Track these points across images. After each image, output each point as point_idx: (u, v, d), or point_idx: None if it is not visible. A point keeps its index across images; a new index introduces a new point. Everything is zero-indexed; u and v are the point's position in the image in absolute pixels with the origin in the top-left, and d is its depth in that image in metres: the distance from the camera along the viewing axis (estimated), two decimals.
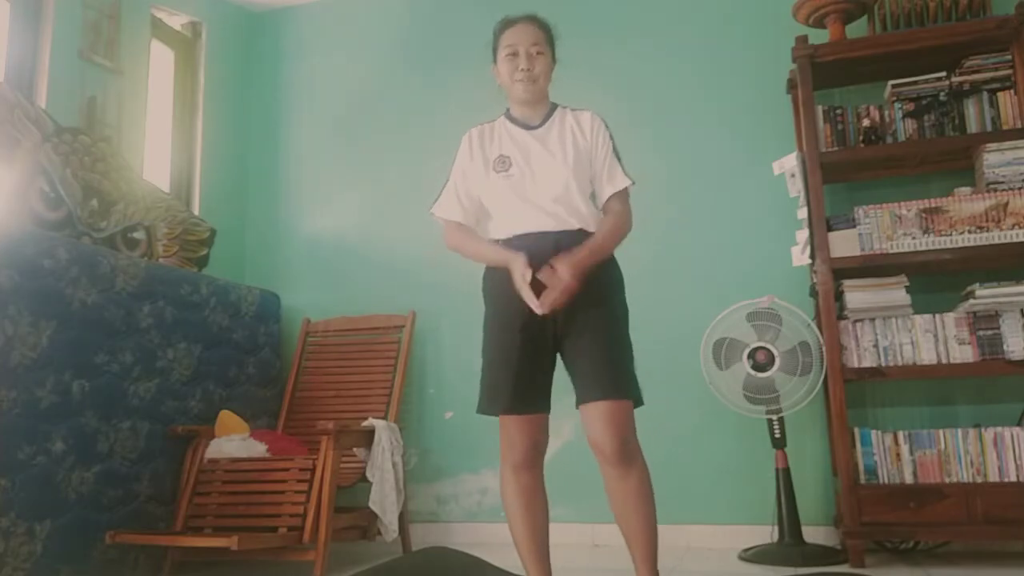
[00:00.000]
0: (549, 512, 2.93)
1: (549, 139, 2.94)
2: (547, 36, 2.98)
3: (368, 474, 4.23)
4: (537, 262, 2.71)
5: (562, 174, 2.87)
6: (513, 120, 3.03)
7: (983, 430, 3.85)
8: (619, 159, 2.95)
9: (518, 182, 2.89)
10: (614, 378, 2.73)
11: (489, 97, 5.08)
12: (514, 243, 2.84)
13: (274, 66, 5.86)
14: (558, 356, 2.87)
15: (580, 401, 2.76)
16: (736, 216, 4.71)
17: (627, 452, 2.70)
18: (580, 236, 2.81)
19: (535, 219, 2.84)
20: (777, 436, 4.15)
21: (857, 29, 4.46)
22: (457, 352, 5.06)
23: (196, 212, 5.18)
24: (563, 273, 2.65)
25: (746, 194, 4.70)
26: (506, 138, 2.99)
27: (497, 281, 2.85)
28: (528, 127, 2.97)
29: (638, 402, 2.77)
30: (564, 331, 2.79)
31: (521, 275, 2.70)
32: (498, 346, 2.86)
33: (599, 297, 2.79)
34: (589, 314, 2.76)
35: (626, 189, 2.93)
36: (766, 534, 4.23)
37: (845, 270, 4.07)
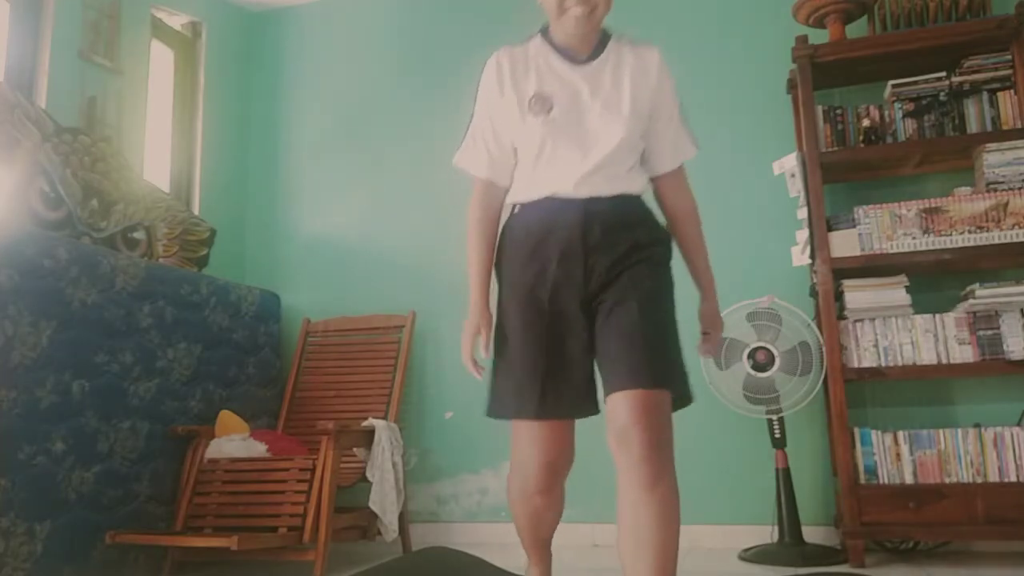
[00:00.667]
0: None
1: (602, 79, 2.41)
2: None
3: (368, 474, 4.23)
4: (557, 243, 2.33)
5: (616, 128, 2.37)
6: (556, 48, 2.43)
7: (983, 430, 3.85)
8: (686, 118, 2.54)
9: (560, 130, 2.36)
10: (667, 366, 2.28)
11: None
12: (530, 211, 2.42)
13: (274, 66, 5.86)
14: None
15: (610, 389, 2.21)
16: (736, 216, 4.70)
17: (660, 457, 2.13)
18: (616, 203, 2.38)
19: (568, 181, 2.35)
20: (777, 436, 4.15)
21: (857, 29, 4.47)
22: (457, 352, 4.99)
23: (196, 212, 5.18)
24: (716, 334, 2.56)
25: (746, 194, 4.70)
26: (545, 71, 2.41)
27: (517, 256, 2.40)
28: (575, 61, 2.42)
29: (687, 398, 2.38)
30: (603, 307, 2.31)
31: (471, 337, 2.46)
32: (519, 335, 2.36)
33: (648, 274, 2.35)
34: (643, 287, 2.31)
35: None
36: (766, 534, 4.23)
37: (845, 270, 4.07)
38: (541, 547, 2.69)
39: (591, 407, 2.34)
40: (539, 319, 2.32)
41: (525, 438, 2.35)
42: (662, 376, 2.21)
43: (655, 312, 2.30)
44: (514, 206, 2.49)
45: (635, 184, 2.44)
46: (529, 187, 2.42)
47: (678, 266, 2.58)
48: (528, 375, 2.29)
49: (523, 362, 2.32)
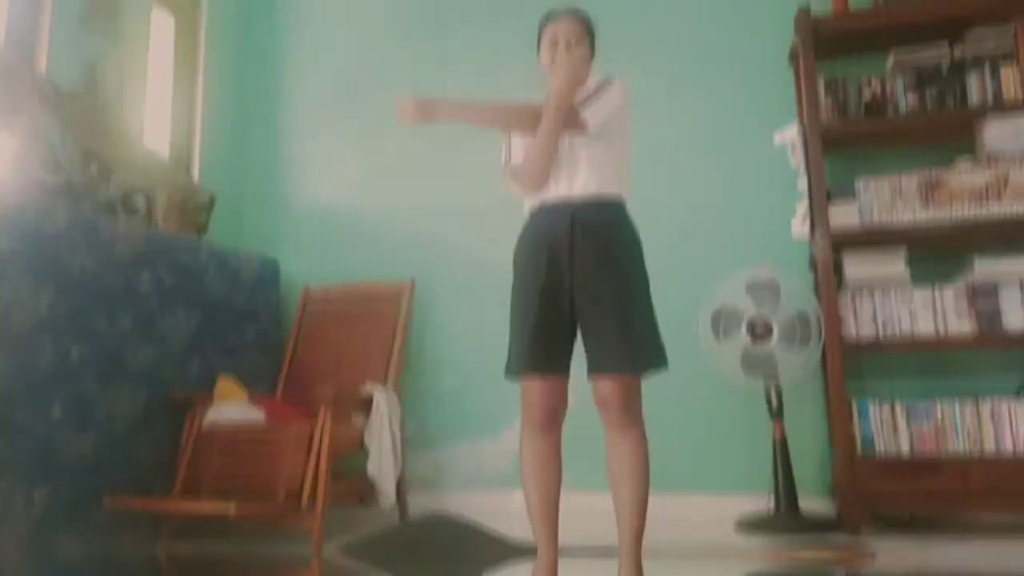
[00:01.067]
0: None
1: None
2: (586, 29, 3.06)
3: (366, 441, 4.24)
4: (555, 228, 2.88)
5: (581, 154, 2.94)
6: None
7: (980, 402, 3.86)
8: (598, 99, 2.94)
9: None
10: (629, 352, 2.79)
11: (490, 67, 5.09)
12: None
13: (274, 33, 5.83)
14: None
15: (592, 370, 2.83)
16: (736, 187, 4.70)
17: (630, 414, 2.82)
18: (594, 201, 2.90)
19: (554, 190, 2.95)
20: (775, 407, 4.16)
21: (859, 1, 4.44)
22: (456, 321, 5.07)
23: (196, 179, 5.17)
24: None
25: (747, 165, 4.69)
26: None
27: (523, 247, 2.97)
28: None
29: (661, 366, 2.86)
30: (580, 298, 2.85)
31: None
32: (519, 309, 2.93)
33: (616, 263, 2.85)
34: (605, 283, 2.82)
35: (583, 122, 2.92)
36: (763, 504, 4.25)
37: (845, 241, 4.08)
38: (549, 512, 2.93)
39: (565, 370, 2.93)
40: (532, 299, 2.89)
41: (530, 389, 2.90)
42: (639, 363, 2.82)
43: (631, 300, 2.85)
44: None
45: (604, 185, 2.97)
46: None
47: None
48: (521, 341, 2.91)
49: (521, 332, 2.92)
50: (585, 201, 2.88)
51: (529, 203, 3.02)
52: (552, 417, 2.92)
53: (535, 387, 2.89)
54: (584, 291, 2.83)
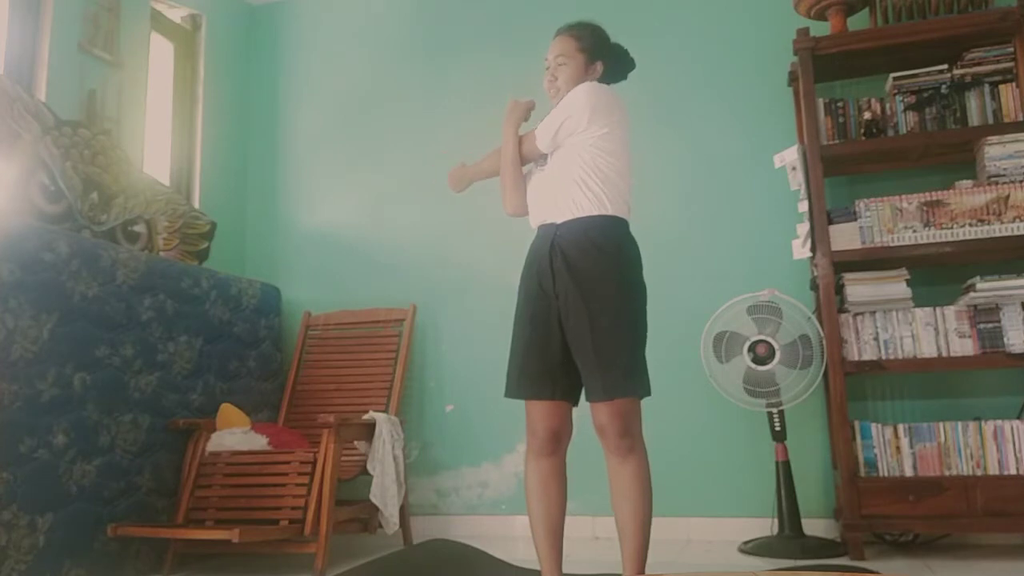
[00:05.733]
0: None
1: None
2: (576, 44, 3.08)
3: (369, 467, 4.24)
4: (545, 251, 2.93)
5: (558, 176, 2.99)
6: None
7: (983, 423, 3.86)
8: (549, 116, 3.01)
9: (539, 180, 3.09)
10: (615, 379, 2.78)
11: (490, 89, 5.10)
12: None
13: (274, 59, 5.85)
14: None
15: (587, 397, 2.87)
16: (737, 209, 4.70)
17: (628, 439, 2.81)
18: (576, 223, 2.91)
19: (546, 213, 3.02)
20: (777, 429, 4.16)
21: (858, 22, 4.46)
22: (457, 345, 5.07)
23: (196, 205, 5.17)
24: None
25: (747, 187, 4.70)
26: None
27: (523, 271, 3.03)
28: None
29: (644, 394, 2.85)
30: (567, 324, 2.86)
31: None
32: (516, 333, 2.98)
33: (591, 289, 2.84)
34: (581, 309, 2.82)
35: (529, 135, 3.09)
36: (766, 527, 4.25)
37: (846, 263, 4.08)
38: (553, 537, 2.94)
39: (564, 394, 2.94)
40: (524, 325, 2.97)
41: (532, 412, 2.94)
42: (626, 388, 2.81)
43: (614, 325, 2.83)
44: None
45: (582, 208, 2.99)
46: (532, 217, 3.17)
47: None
48: (516, 366, 2.96)
49: (515, 356, 2.98)
50: (564, 224, 2.91)
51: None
52: (554, 440, 2.93)
53: (535, 409, 2.92)
54: (567, 317, 2.85)
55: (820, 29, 4.36)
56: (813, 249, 4.11)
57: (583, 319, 2.80)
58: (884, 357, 3.99)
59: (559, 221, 2.92)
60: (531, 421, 2.94)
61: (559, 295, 2.87)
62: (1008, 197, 3.89)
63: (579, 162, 2.91)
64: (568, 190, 2.91)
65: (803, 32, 4.24)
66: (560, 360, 2.89)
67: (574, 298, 2.82)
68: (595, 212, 2.88)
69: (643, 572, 2.81)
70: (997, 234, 3.89)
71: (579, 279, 2.83)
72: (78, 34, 4.46)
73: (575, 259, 2.85)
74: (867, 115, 4.22)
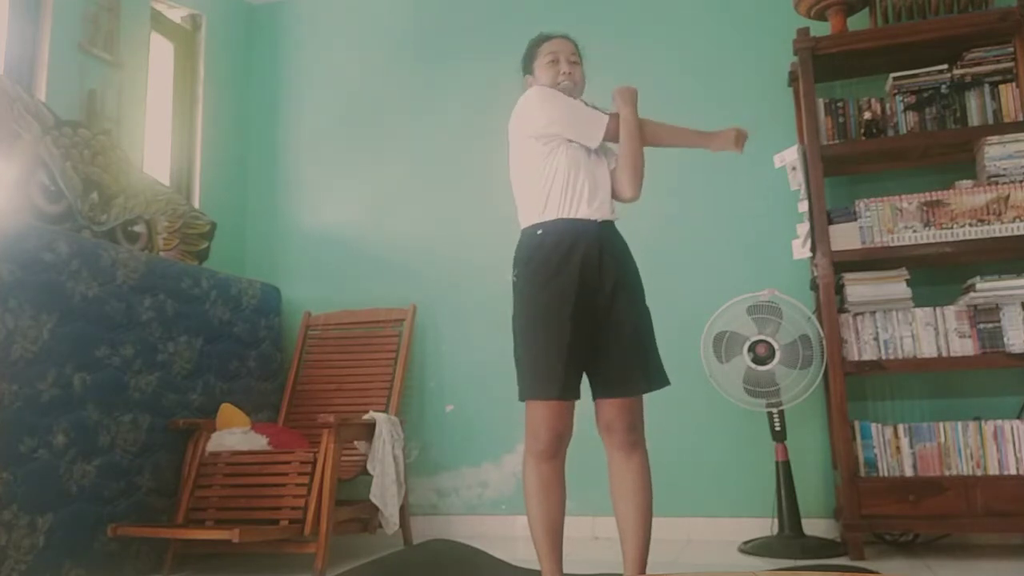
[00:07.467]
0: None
1: None
2: (576, 50, 3.21)
3: (369, 467, 4.24)
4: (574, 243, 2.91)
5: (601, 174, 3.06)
6: None
7: (983, 423, 3.86)
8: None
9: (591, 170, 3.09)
10: (654, 371, 2.92)
11: (489, 89, 5.09)
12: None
13: (274, 58, 5.85)
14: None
15: (603, 394, 2.91)
16: (736, 209, 4.70)
17: (635, 434, 2.90)
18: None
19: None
20: (777, 429, 4.16)
21: (858, 22, 4.46)
22: (457, 345, 5.06)
23: (196, 205, 5.17)
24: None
25: (747, 187, 4.70)
26: None
27: (552, 267, 2.89)
28: None
29: (666, 384, 2.96)
30: (608, 320, 2.89)
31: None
32: (547, 331, 2.86)
33: (633, 287, 2.96)
34: (626, 307, 2.90)
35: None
36: (766, 527, 4.25)
37: (846, 263, 4.08)
38: (553, 537, 2.92)
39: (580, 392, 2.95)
40: (564, 323, 2.85)
41: (541, 415, 2.87)
42: (652, 383, 2.92)
43: (647, 323, 2.96)
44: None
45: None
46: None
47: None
48: (558, 365, 2.84)
49: (556, 355, 2.85)
50: (606, 222, 2.98)
51: (538, 218, 2.97)
52: (558, 442, 2.90)
53: (548, 411, 2.86)
54: (611, 312, 2.88)
55: (820, 29, 4.36)
56: (813, 249, 4.11)
57: (633, 315, 2.90)
58: (884, 357, 3.99)
59: (598, 219, 2.95)
60: (535, 424, 2.88)
61: (606, 289, 2.89)
62: (1008, 197, 3.89)
63: (607, 165, 3.08)
64: (608, 190, 3.03)
65: (803, 32, 4.24)
66: (585, 360, 2.91)
67: (628, 292, 2.91)
68: (615, 215, 3.05)
69: (645, 568, 2.83)
70: (997, 234, 3.89)
71: (628, 276, 2.95)
72: (78, 34, 4.45)
73: (621, 256, 2.97)
74: (867, 115, 4.22)
